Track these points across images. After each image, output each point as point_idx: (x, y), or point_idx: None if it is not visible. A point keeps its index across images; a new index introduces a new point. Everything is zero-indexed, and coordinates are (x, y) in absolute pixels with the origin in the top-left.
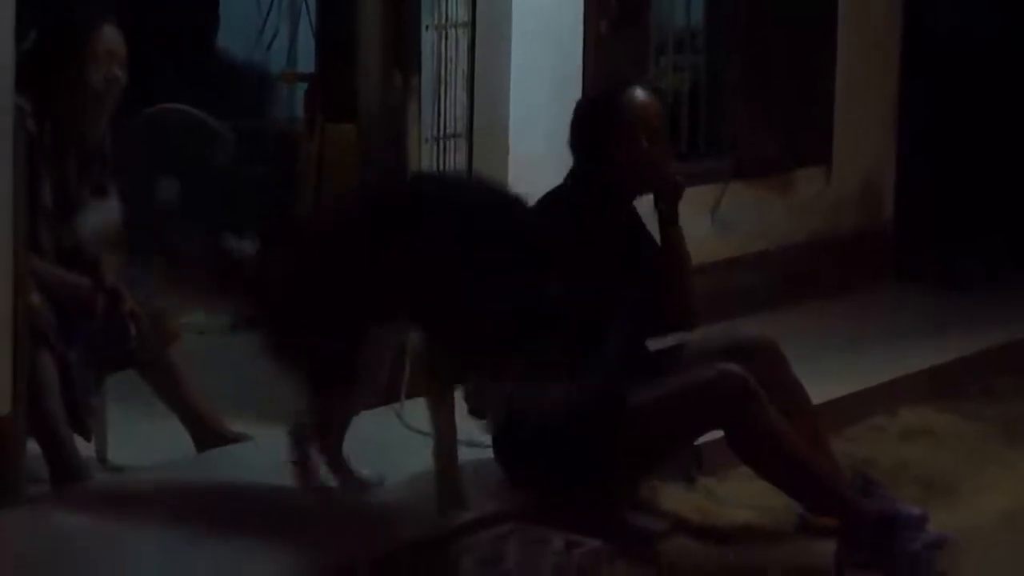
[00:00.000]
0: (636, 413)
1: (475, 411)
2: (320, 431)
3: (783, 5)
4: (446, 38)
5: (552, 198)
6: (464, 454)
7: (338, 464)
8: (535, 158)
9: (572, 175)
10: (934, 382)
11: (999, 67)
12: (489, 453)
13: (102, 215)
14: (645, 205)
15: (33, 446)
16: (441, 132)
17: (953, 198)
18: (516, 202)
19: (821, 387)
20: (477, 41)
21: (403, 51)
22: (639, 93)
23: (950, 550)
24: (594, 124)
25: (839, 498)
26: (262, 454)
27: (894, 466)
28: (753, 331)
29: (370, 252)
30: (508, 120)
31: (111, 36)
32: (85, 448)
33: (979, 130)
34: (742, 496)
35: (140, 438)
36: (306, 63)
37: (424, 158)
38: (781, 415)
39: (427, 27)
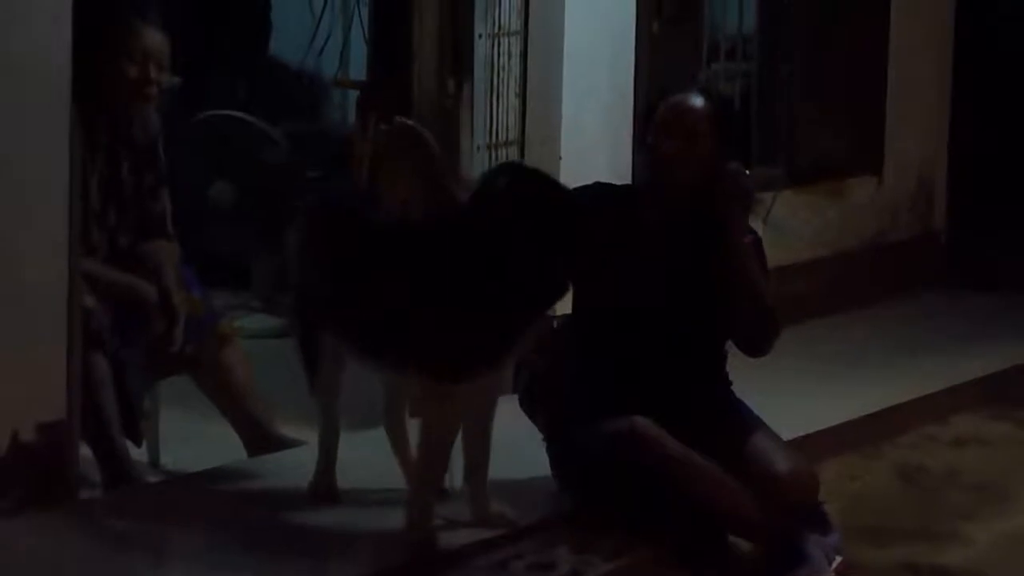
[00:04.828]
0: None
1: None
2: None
3: (834, 12)
4: (499, 46)
5: (600, 187)
6: (516, 462)
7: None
8: (586, 164)
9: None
10: (988, 389)
11: None
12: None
13: None
14: None
15: (85, 449)
16: (493, 140)
17: (1006, 203)
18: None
19: (874, 395)
20: (529, 49)
21: (456, 59)
22: (679, 95)
23: None
24: (642, 121)
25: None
26: (315, 459)
27: (946, 473)
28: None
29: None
30: (560, 127)
31: (150, 36)
32: (137, 452)
33: None
34: None
35: (193, 442)
36: (357, 69)
37: (476, 165)
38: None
39: (480, 36)
